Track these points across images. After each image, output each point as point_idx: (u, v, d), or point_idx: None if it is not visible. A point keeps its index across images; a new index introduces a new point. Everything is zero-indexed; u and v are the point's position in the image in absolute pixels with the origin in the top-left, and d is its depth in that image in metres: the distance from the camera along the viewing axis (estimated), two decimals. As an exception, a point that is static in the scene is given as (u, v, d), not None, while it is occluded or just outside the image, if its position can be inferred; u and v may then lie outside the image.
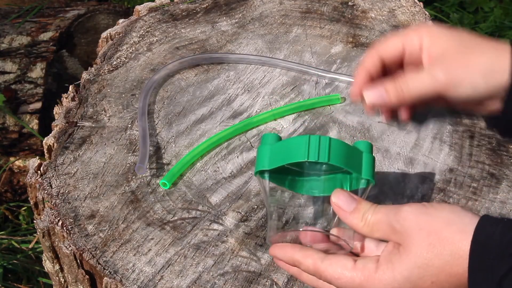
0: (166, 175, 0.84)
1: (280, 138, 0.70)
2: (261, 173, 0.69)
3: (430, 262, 0.60)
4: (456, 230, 0.59)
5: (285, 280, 0.74)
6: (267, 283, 0.73)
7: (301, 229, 0.70)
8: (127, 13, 1.90)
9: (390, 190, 0.83)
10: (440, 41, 0.80)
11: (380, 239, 0.65)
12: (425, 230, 0.60)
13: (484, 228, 0.58)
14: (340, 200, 0.65)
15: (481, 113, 0.88)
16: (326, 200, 0.67)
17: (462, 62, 0.78)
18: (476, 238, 0.58)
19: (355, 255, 0.68)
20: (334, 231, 0.68)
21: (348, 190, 0.69)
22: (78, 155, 0.88)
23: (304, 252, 0.65)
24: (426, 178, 0.85)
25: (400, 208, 0.62)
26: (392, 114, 0.91)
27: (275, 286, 0.73)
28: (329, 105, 0.96)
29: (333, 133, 0.92)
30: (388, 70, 0.85)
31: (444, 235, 0.59)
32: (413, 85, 0.80)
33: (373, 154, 0.69)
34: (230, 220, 0.80)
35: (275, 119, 0.94)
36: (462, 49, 0.78)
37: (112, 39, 1.10)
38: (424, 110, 0.92)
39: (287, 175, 0.73)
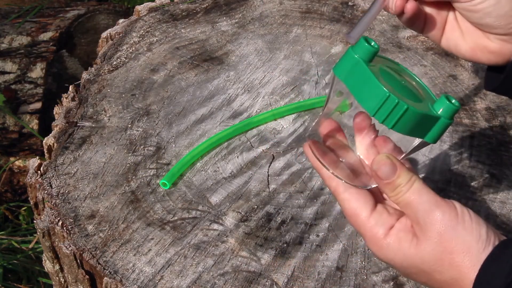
0: (166, 175, 0.84)
1: (374, 54, 0.64)
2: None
3: (432, 272, 0.61)
4: (468, 261, 0.60)
5: (285, 280, 0.73)
6: (267, 283, 0.73)
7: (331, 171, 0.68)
8: (127, 13, 1.90)
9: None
10: None
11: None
12: (443, 245, 0.60)
13: (490, 267, 0.59)
14: (379, 171, 0.64)
15: (485, 60, 0.76)
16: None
17: None
18: (479, 278, 0.58)
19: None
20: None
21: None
22: (78, 155, 0.88)
23: (330, 174, 0.65)
24: (426, 178, 0.85)
25: (434, 209, 0.61)
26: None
27: (275, 286, 0.73)
28: (329, 105, 0.96)
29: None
30: None
31: (456, 260, 0.60)
32: None
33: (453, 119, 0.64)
34: (230, 220, 0.80)
35: (275, 119, 0.94)
36: None
37: (112, 39, 1.10)
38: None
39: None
